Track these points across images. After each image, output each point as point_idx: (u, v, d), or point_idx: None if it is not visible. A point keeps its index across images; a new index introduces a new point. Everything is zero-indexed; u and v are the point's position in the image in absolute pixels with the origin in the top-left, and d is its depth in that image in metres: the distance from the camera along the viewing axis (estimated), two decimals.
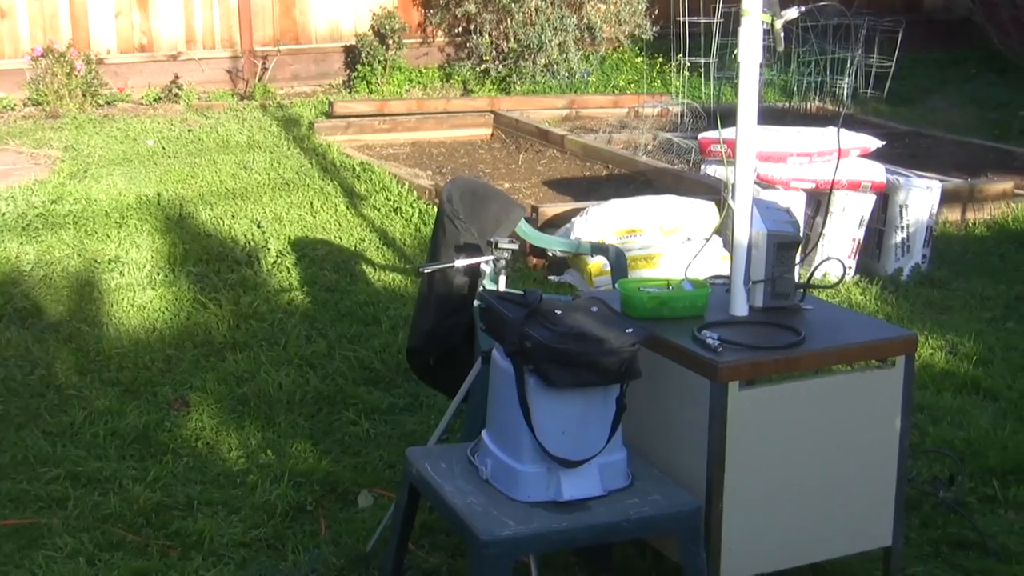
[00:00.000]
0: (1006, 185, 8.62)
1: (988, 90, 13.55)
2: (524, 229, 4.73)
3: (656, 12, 13.41)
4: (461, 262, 4.08)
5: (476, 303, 4.08)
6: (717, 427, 3.38)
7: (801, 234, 5.97)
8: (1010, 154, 10.34)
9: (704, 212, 6.92)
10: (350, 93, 12.61)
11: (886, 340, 3.63)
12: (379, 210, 8.22)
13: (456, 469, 3.53)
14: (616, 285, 3.85)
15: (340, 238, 7.55)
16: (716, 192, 7.50)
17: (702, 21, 11.39)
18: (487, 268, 4.15)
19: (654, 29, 13.39)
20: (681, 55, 11.53)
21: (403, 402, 5.31)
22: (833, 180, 6.84)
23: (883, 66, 11.84)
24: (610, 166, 9.91)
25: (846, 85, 11.98)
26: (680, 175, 9.05)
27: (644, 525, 3.34)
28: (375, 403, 5.26)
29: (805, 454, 3.53)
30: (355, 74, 12.80)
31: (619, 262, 4.75)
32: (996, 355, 5.87)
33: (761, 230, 3.74)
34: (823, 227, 7.08)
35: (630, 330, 3.38)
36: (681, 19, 11.33)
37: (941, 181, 7.70)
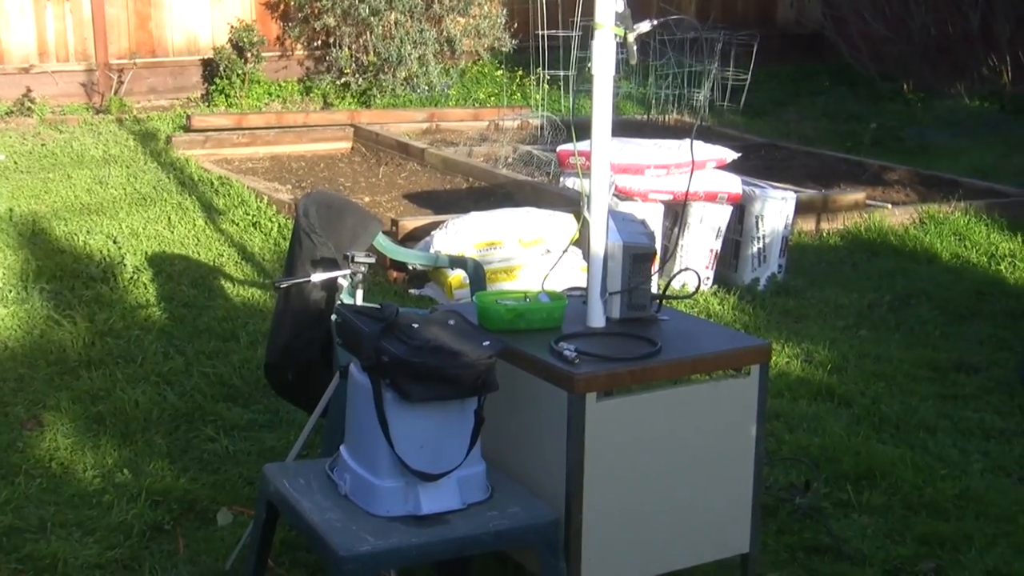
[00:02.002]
0: (858, 196, 8.81)
1: (839, 103, 13.86)
2: (382, 243, 4.72)
3: (515, 26, 13.49)
4: (318, 276, 4.05)
5: (333, 317, 4.05)
6: (575, 439, 3.40)
7: (657, 245, 6.05)
8: (861, 165, 10.59)
9: (563, 224, 6.96)
10: (208, 107, 12.46)
11: (740, 349, 3.68)
12: (238, 224, 8.13)
13: (314, 485, 3.49)
14: (473, 298, 3.85)
15: (198, 253, 7.45)
16: (575, 204, 7.55)
17: (560, 34, 11.47)
18: (344, 282, 4.13)
19: (514, 42, 13.45)
20: (540, 68, 11.60)
21: (262, 418, 5.25)
22: (687, 192, 6.93)
23: (739, 79, 12.05)
24: (470, 179, 9.93)
25: (703, 97, 12.17)
26: (539, 187, 9.09)
27: (503, 538, 3.34)
28: (234, 420, 5.19)
29: (663, 464, 3.56)
30: (213, 87, 12.64)
31: (477, 275, 4.75)
32: (850, 362, 6.00)
33: (616, 242, 3.77)
34: (679, 238, 7.17)
35: (487, 343, 3.38)
36: (540, 32, 11.40)
37: (796, 192, 7.85)
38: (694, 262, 7.16)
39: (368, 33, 12.71)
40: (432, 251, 6.56)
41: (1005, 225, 8.68)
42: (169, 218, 8.16)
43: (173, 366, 5.67)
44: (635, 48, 3.72)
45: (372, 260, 3.90)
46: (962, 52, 13.84)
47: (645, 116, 12.34)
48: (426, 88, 12.85)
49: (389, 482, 3.32)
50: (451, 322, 3.52)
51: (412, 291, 6.94)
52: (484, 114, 12.23)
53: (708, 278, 7.23)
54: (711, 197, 7.15)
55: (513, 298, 3.83)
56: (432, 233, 6.97)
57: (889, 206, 8.93)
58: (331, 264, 4.16)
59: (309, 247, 4.19)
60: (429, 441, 3.34)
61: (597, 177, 3.72)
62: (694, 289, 6.15)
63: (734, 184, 7.21)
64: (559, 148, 7.38)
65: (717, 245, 7.24)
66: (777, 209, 7.35)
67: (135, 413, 5.17)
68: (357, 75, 12.81)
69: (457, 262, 5.04)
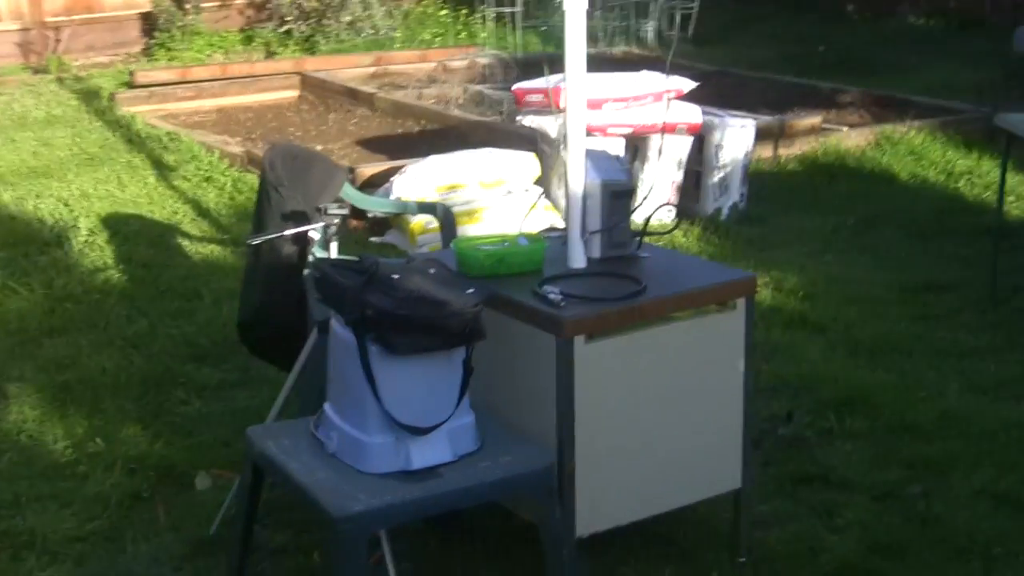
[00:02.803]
0: (814, 120, 8.78)
1: (786, 27, 13.79)
2: (349, 192, 4.62)
3: None
4: (291, 231, 3.95)
5: (308, 272, 3.96)
6: (564, 382, 3.34)
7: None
8: (814, 89, 10.54)
9: (524, 163, 6.88)
10: (149, 61, 12.24)
11: (725, 283, 3.62)
12: (190, 180, 7.99)
13: (301, 445, 3.42)
14: (451, 244, 3.76)
15: (152, 212, 7.32)
16: (533, 143, 7.47)
17: None
18: (316, 236, 4.04)
19: None
20: (486, 5, 11.47)
21: (233, 377, 5.16)
22: (665, 125, 6.87)
23: (686, 7, 11.95)
24: (422, 122, 9.81)
25: (651, 28, 12.08)
26: (494, 127, 9.01)
27: (498, 488, 3.29)
28: (204, 380, 5.10)
29: (653, 403, 3.51)
30: (153, 41, 12.44)
31: (447, 220, 4.67)
32: (819, 288, 5.97)
33: (594, 180, 3.70)
34: (642, 172, 7.10)
35: (471, 290, 3.31)
36: None
37: (754, 119, 7.79)
38: (656, 195, 7.09)
39: None
40: (394, 197, 6.47)
41: (960, 142, 8.69)
42: (119, 177, 8.01)
43: (137, 329, 5.56)
44: None
45: (346, 212, 3.81)
46: None
47: (593, 49, 12.21)
48: (371, 32, 12.69)
49: (378, 438, 3.25)
50: (431, 271, 3.44)
51: (373, 239, 6.86)
52: (431, 55, 12.07)
53: (670, 211, 7.17)
54: (670, 128, 7.09)
55: (491, 243, 3.75)
56: (391, 179, 6.87)
57: (845, 129, 8.90)
58: (302, 217, 4.06)
59: (278, 201, 4.09)
60: (417, 394, 3.26)
61: (573, 114, 3.64)
62: (672, 224, 6.08)
63: (694, 114, 7.14)
64: (515, 86, 7.28)
65: (679, 177, 7.19)
66: (737, 137, 7.30)
67: (103, 380, 5.06)
68: (299, 22, 12.62)
69: (426, 208, 4.95)
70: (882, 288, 6.01)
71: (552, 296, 3.41)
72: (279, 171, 4.19)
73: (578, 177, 3.66)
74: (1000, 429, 4.57)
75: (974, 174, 7.95)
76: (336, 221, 3.81)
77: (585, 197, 3.67)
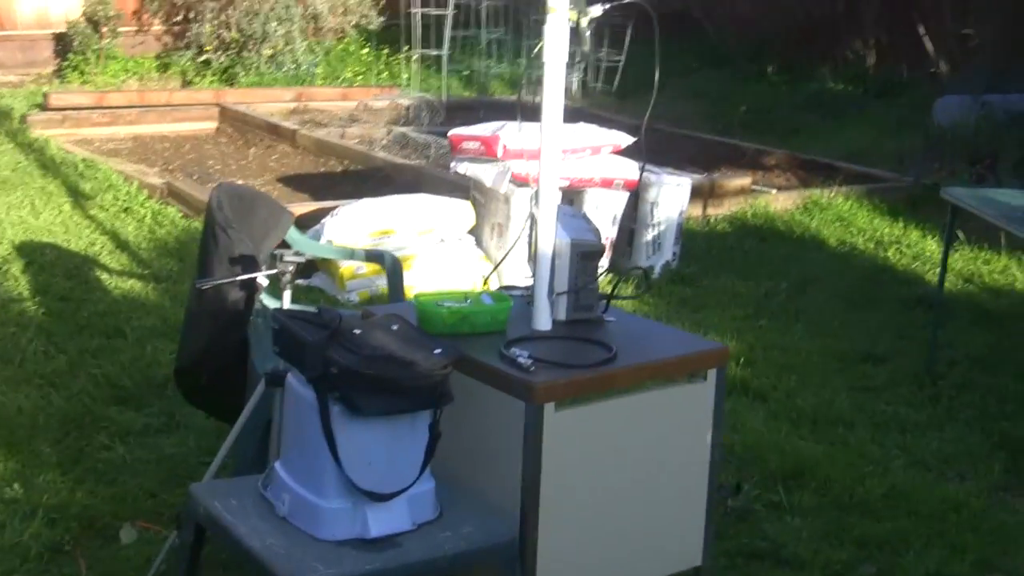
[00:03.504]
0: (744, 181, 8.75)
1: (708, 84, 13.84)
2: (294, 236, 4.44)
3: (383, 2, 13.19)
4: (242, 276, 3.76)
5: (256, 321, 3.78)
6: (532, 451, 3.19)
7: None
8: (739, 149, 10.55)
9: (458, 211, 6.74)
10: (62, 83, 11.95)
11: (698, 353, 3.51)
12: (108, 210, 7.74)
13: (248, 506, 3.22)
14: (411, 299, 3.59)
15: (68, 241, 7.05)
16: (462, 189, 7.34)
17: (433, 13, 11.23)
18: (263, 282, 3.85)
19: (380, 19, 13.15)
20: (412, 47, 11.34)
21: (157, 422, 4.92)
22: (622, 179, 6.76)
23: (612, 61, 11.92)
24: (345, 162, 9.66)
25: (576, 79, 12.02)
26: (420, 171, 8.87)
27: (459, 560, 3.11)
28: (128, 424, 4.86)
29: (619, 475, 3.38)
30: (67, 63, 12.15)
31: (395, 269, 4.51)
32: (758, 354, 5.89)
33: (563, 239, 3.57)
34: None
35: (438, 350, 3.15)
36: (413, 11, 11.14)
37: (688, 177, 7.73)
38: None
39: (231, 8, 12.29)
40: (325, 240, 6.28)
41: (885, 210, 8.72)
42: (33, 203, 7.73)
43: (56, 366, 5.30)
44: (587, 34, 3.51)
45: (302, 260, 3.63)
46: (827, 34, 13.93)
47: (518, 96, 12.14)
48: (292, 66, 12.50)
49: (335, 503, 3.07)
50: (394, 327, 3.28)
51: (299, 281, 6.65)
52: (353, 94, 11.93)
53: (603, 267, 7.05)
54: (607, 183, 7.00)
55: (453, 299, 3.60)
56: (322, 221, 6.69)
57: (774, 191, 8.90)
58: (250, 262, 3.88)
59: (226, 243, 3.90)
60: (378, 458, 3.09)
61: (547, 169, 3.52)
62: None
63: (631, 170, 7.05)
64: (450, 132, 7.13)
65: (613, 232, 7.08)
66: (672, 195, 7.23)
67: (19, 420, 4.80)
68: (219, 52, 12.39)
69: (373, 256, 4.77)
70: (819, 356, 5.95)
71: (521, 360, 3.26)
72: (227, 211, 4.00)
73: (548, 236, 3.52)
74: (949, 509, 4.49)
75: (902, 243, 7.96)
76: (291, 269, 3.63)
77: (553, 257, 3.54)
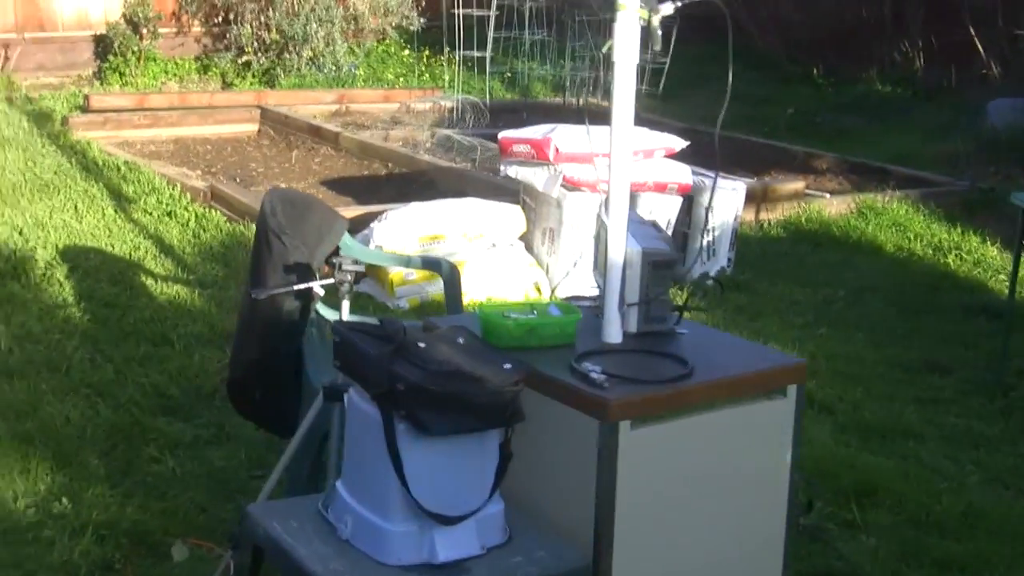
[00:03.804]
0: (797, 185, 8.58)
1: (749, 87, 13.61)
2: (348, 243, 4.30)
3: (423, 3, 13.05)
4: (300, 286, 3.61)
5: (311, 331, 3.63)
6: (606, 472, 3.02)
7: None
8: (788, 152, 10.36)
9: (508, 216, 6.59)
10: (102, 85, 11.86)
11: (777, 368, 3.34)
12: (151, 214, 7.62)
13: (309, 528, 3.07)
14: (477, 310, 3.43)
15: (112, 246, 6.93)
16: (511, 193, 7.20)
17: (475, 14, 11.09)
18: (319, 291, 3.71)
19: (421, 21, 13.02)
20: (456, 49, 11.20)
21: (207, 433, 4.79)
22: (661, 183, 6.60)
23: (657, 63, 11.74)
24: (389, 164, 9.52)
25: None
26: (465, 174, 8.74)
27: None
28: (177, 436, 4.73)
29: (695, 496, 3.21)
30: (107, 65, 12.05)
31: (452, 279, 4.35)
32: (820, 364, 5.71)
33: (634, 248, 3.40)
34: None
35: (508, 365, 3.00)
36: (456, 11, 11.00)
37: (744, 182, 7.55)
38: None
39: (271, 9, 12.18)
40: (374, 246, 6.14)
41: (942, 215, 8.52)
42: (76, 207, 7.62)
43: (103, 375, 5.17)
44: (659, 32, 3.35)
45: (362, 269, 3.48)
46: (873, 37, 13.71)
47: (562, 99, 11.99)
48: (333, 68, 12.37)
49: (401, 526, 2.92)
50: (460, 340, 3.13)
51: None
52: (395, 95, 11.79)
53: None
54: (661, 188, 6.84)
55: (518, 310, 3.44)
56: (371, 225, 6.54)
57: (827, 195, 8.72)
58: (306, 270, 3.73)
59: (280, 250, 3.75)
60: (446, 479, 2.94)
61: (617, 176, 3.36)
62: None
63: (684, 174, 6.89)
64: (501, 135, 6.98)
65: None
66: (727, 200, 7.07)
67: (67, 431, 4.68)
68: (259, 53, 12.28)
69: (430, 263, 4.61)
70: (883, 366, 5.77)
71: (594, 375, 3.10)
72: (280, 217, 3.86)
73: (618, 245, 3.36)
74: None
75: (962, 249, 7.76)
76: (349, 278, 3.47)
77: (624, 267, 3.38)
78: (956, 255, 7.66)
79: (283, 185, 8.85)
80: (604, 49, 3.42)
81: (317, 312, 3.75)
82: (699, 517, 3.24)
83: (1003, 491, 4.64)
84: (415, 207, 6.60)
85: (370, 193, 8.61)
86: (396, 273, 6.21)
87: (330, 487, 3.21)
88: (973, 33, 12.51)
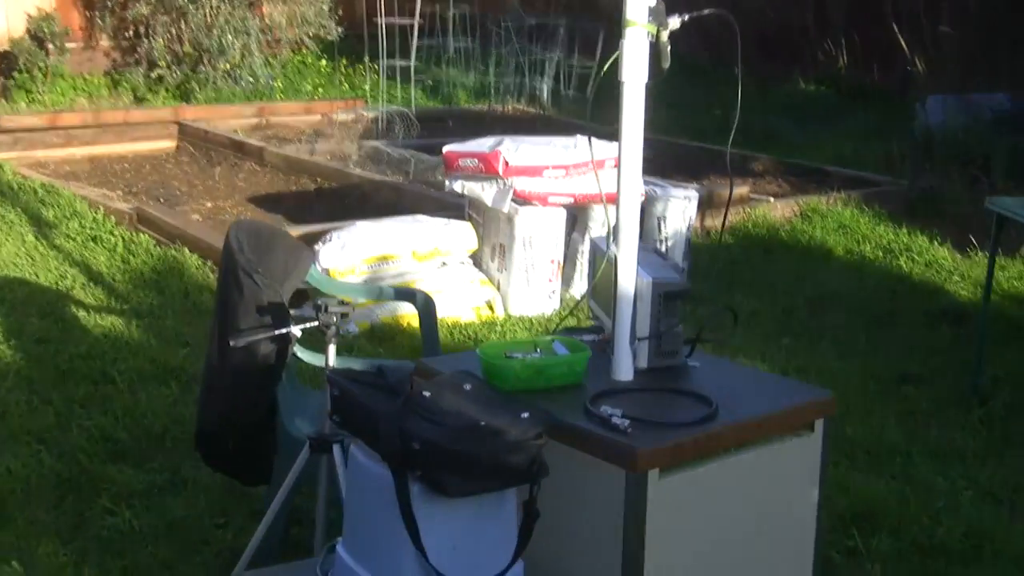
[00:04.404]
0: (742, 190, 8.41)
1: (676, 91, 13.46)
2: (315, 276, 4.02)
3: (341, 13, 12.74)
4: (281, 330, 3.33)
5: (288, 378, 3.34)
6: (634, 525, 2.78)
7: (560, 254, 5.46)
8: (723, 155, 10.18)
9: (459, 233, 6.33)
10: (8, 103, 11.38)
11: (805, 404, 3.12)
12: (75, 239, 7.25)
13: None
14: (478, 351, 3.17)
15: (37, 275, 6.56)
16: (453, 207, 6.96)
17: (398, 22, 10.81)
18: (296, 333, 3.43)
19: (339, 30, 12.70)
20: (378, 58, 10.91)
21: (161, 479, 4.46)
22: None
23: (585, 67, 11.54)
24: (318, 179, 9.20)
25: (546, 87, 11.65)
26: (399, 188, 8.47)
27: None
28: (129, 484, 4.39)
29: (724, 544, 2.99)
30: (12, 82, 11.57)
31: (428, 309, 4.09)
32: (791, 378, 5.50)
33: (644, 279, 3.17)
34: (582, 243, 6.61)
35: (525, 414, 2.75)
36: (378, 20, 10.71)
37: (695, 189, 7.35)
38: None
39: (183, 22, 11.79)
40: (322, 268, 5.84)
41: (886, 216, 8.41)
42: None
43: (43, 420, 4.82)
44: (668, 49, 3.12)
45: (349, 310, 3.20)
46: (797, 38, 13.63)
47: (487, 106, 11.74)
48: (250, 81, 12.00)
49: None
50: (467, 386, 2.88)
51: (292, 311, 6.20)
52: (316, 107, 11.49)
53: None
54: (612, 199, 6.59)
55: (520, 349, 3.19)
56: (315, 247, 6.23)
57: (771, 199, 8.56)
58: (280, 311, 3.45)
59: (252, 290, 3.46)
60: (465, 541, 2.68)
61: (626, 201, 3.14)
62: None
63: None
64: (446, 149, 6.71)
65: None
66: (680, 209, 6.86)
67: (9, 483, 4.33)
68: (172, 67, 11.88)
69: (404, 294, 4.33)
70: (856, 379, 5.59)
71: (616, 420, 2.86)
72: (248, 253, 3.57)
73: (629, 276, 3.13)
74: None
75: (913, 251, 7.64)
76: (335, 320, 3.19)
77: (634, 299, 3.14)
78: (908, 257, 7.54)
79: (209, 204, 8.52)
80: (605, 67, 3.16)
81: (295, 356, 3.47)
82: (727, 563, 3.02)
83: (998, 507, 4.47)
84: (362, 226, 6.31)
85: (301, 210, 8.31)
86: (346, 296, 5.91)
87: (327, 549, 2.95)
88: (897, 31, 12.47)
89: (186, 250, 6.98)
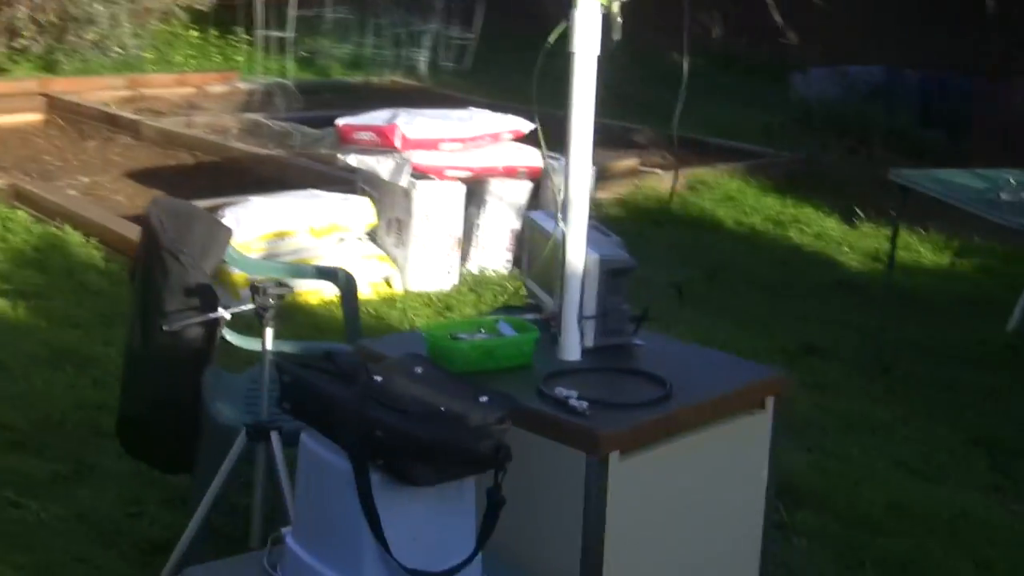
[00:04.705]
0: (631, 162, 8.41)
1: (549, 60, 13.41)
2: (233, 255, 3.88)
3: None
4: (217, 313, 3.19)
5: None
6: (594, 509, 2.73)
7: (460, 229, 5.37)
8: (605, 126, 10.13)
9: (357, 208, 6.20)
10: None
11: (758, 382, 3.09)
12: None
13: None
14: (423, 332, 3.08)
15: None
16: (337, 182, 6.86)
17: None
18: (226, 315, 3.29)
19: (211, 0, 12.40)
20: (253, 28, 10.68)
21: (65, 469, 4.27)
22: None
23: (464, 38, 11.43)
24: (197, 153, 8.96)
25: (423, 58, 11.51)
26: (284, 162, 8.29)
27: None
28: (32, 474, 4.20)
29: (680, 523, 2.95)
30: None
31: (350, 288, 3.98)
32: None
33: (592, 256, 3.11)
34: (478, 218, 6.53)
35: (484, 398, 2.67)
36: None
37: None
38: (494, 244, 6.55)
39: None
40: None
41: (771, 187, 8.49)
42: None
43: None
44: (619, 21, 3.05)
45: (289, 291, 3.08)
46: (669, 5, 13.67)
47: (366, 78, 11.57)
48: (119, 52, 11.63)
49: None
50: (418, 369, 2.79)
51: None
52: (189, 79, 11.19)
53: (508, 261, 6.62)
54: (511, 172, 6.55)
55: (465, 329, 3.11)
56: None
57: (659, 171, 8.56)
58: (207, 292, 3.31)
59: (178, 272, 3.31)
60: (426, 531, 2.60)
61: (575, 177, 3.07)
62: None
63: (533, 157, 6.61)
64: (340, 122, 6.56)
65: (517, 224, 6.63)
66: None
67: None
68: (37, 37, 11.46)
69: (325, 273, 4.19)
70: (763, 352, 5.60)
71: (573, 402, 2.79)
72: (171, 232, 3.42)
73: (578, 253, 3.06)
74: (955, 517, 4.21)
75: (801, 223, 7.72)
76: (272, 302, 3.06)
77: (585, 276, 3.08)
78: (797, 228, 7.61)
79: (85, 179, 8.25)
80: (551, 39, 3.09)
81: (223, 339, 3.34)
82: (683, 542, 2.98)
83: (913, 476, 4.53)
84: (257, 202, 6.15)
85: (182, 186, 8.06)
86: (240, 274, 5.76)
87: (271, 541, 2.83)
88: (770, 2, 12.59)
89: (68, 227, 6.73)
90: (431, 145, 6.28)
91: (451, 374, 2.85)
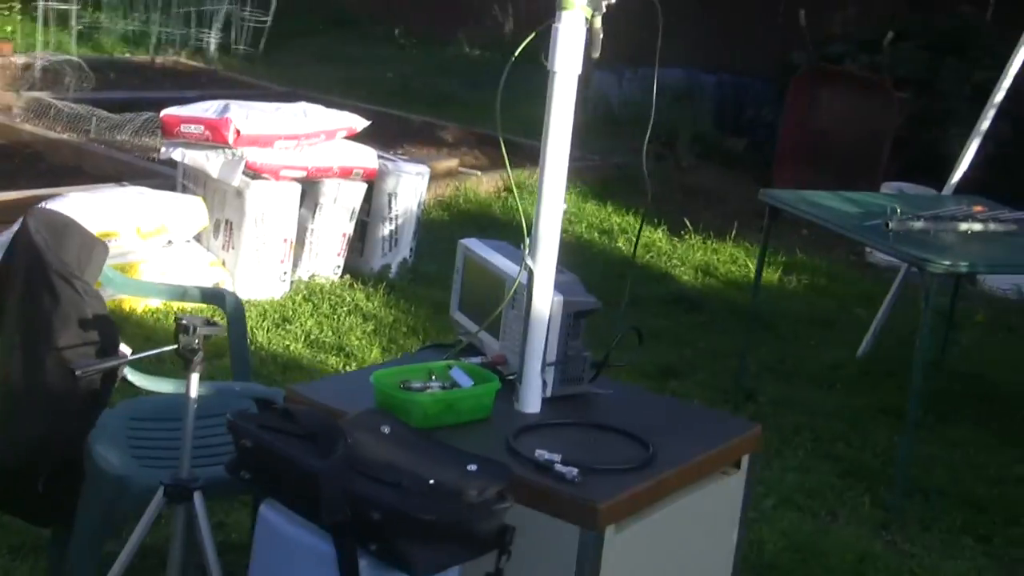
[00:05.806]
0: (451, 163, 8.12)
1: (332, 47, 12.99)
2: (109, 275, 3.43)
3: None
4: (133, 356, 2.75)
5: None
6: None
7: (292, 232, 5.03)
8: (407, 122, 9.86)
9: (188, 209, 5.73)
10: None
11: (736, 440, 2.84)
12: None
13: None
14: (372, 380, 2.71)
15: None
16: (142, 175, 6.41)
17: None
18: (127, 352, 2.86)
19: None
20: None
21: None
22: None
23: (258, 21, 10.91)
24: None
25: (213, 39, 10.95)
26: (81, 149, 7.70)
27: None
28: None
29: None
30: None
31: (238, 314, 3.56)
32: None
33: (556, 297, 2.82)
34: (311, 222, 6.13)
35: (473, 467, 2.35)
36: None
37: (425, 165, 6.93)
38: (326, 249, 6.17)
39: None
40: None
41: (589, 193, 8.33)
42: None
43: None
44: (600, 35, 2.77)
45: (218, 329, 2.66)
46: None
47: (151, 57, 10.92)
48: None
49: None
50: (385, 429, 2.46)
51: None
52: None
53: (338, 267, 6.25)
54: (346, 173, 6.17)
55: (414, 376, 2.77)
56: (13, 226, 5.48)
57: (478, 173, 8.29)
58: (107, 325, 2.86)
59: (71, 299, 2.85)
60: None
61: (547, 215, 2.78)
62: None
63: (369, 158, 6.25)
64: (165, 113, 6.04)
65: (350, 228, 6.26)
66: (412, 185, 6.49)
67: None
68: None
69: (212, 295, 3.73)
70: (624, 375, 5.36)
71: (560, 468, 2.49)
72: (57, 251, 2.97)
73: (544, 296, 2.77)
74: (856, 561, 4.10)
75: (629, 232, 7.56)
76: (197, 344, 2.64)
77: (550, 320, 2.79)
78: (625, 239, 7.45)
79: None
80: (518, 51, 2.78)
81: (125, 380, 2.90)
82: None
83: (801, 515, 4.39)
84: (75, 198, 5.62)
85: None
86: (120, 296, 5.28)
87: None
88: None
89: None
90: (266, 142, 5.86)
91: (418, 432, 2.52)
